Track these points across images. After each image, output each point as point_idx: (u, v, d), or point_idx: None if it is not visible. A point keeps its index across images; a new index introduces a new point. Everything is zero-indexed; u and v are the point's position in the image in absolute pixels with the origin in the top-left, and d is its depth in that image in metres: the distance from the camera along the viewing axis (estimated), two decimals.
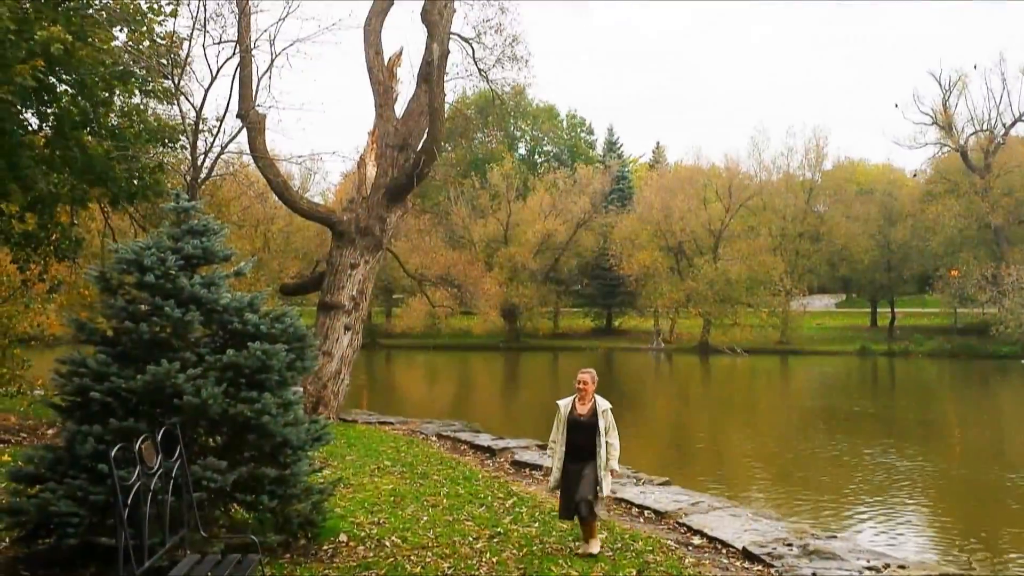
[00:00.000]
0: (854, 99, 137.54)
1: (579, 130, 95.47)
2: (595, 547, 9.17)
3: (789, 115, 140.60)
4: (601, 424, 9.26)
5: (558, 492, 9.51)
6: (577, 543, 9.42)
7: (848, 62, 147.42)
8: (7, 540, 8.34)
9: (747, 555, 9.47)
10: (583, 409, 9.37)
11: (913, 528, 14.16)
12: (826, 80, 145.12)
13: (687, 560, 9.16)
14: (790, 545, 9.71)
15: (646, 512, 11.69)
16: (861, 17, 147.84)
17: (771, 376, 48.63)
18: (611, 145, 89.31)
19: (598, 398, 9.44)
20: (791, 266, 64.25)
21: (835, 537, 10.95)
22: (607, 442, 9.24)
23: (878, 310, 70.31)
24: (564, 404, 9.50)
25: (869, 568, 9.01)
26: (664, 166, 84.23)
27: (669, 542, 9.92)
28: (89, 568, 7.70)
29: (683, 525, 10.95)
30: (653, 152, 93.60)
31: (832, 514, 14.88)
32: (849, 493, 16.64)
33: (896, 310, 68.04)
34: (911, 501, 16.09)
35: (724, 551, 9.79)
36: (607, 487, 9.29)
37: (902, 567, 9.22)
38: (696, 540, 10.26)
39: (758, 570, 9.02)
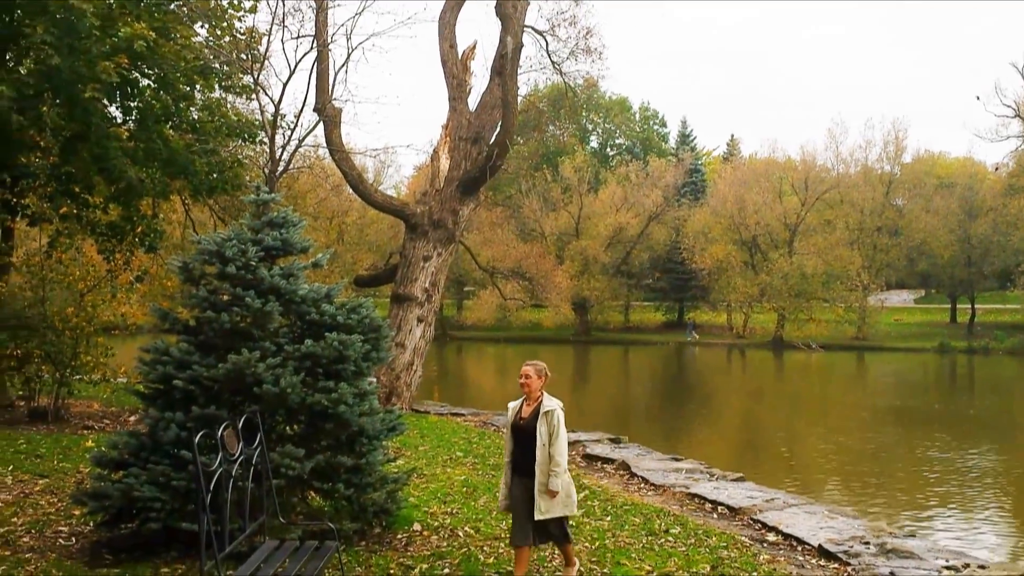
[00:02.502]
0: (934, 91, 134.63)
1: (652, 123, 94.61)
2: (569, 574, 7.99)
3: (867, 108, 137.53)
4: (542, 430, 7.55)
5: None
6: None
7: (928, 54, 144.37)
8: (91, 524, 8.59)
9: (823, 553, 9.33)
10: (526, 411, 7.76)
11: (991, 528, 13.86)
12: (905, 72, 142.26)
13: (761, 557, 9.07)
14: (867, 543, 9.55)
15: (720, 508, 11.58)
16: (940, 8, 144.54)
17: (847, 372, 47.77)
18: (684, 138, 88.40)
19: (546, 397, 7.75)
20: (868, 260, 63.02)
21: (913, 535, 10.77)
22: (549, 454, 7.51)
23: (958, 306, 68.69)
24: (513, 406, 7.94)
25: (948, 568, 8.81)
26: (738, 159, 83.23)
27: (743, 538, 9.83)
28: (171, 552, 7.89)
29: (757, 522, 10.81)
30: (727, 145, 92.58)
31: (909, 512, 14.61)
32: (926, 491, 16.31)
33: (976, 306, 66.44)
34: (990, 501, 15.74)
35: (799, 548, 9.65)
36: (544, 508, 7.49)
37: (982, 567, 9.01)
38: (771, 537, 10.13)
39: (834, 568, 8.88)
